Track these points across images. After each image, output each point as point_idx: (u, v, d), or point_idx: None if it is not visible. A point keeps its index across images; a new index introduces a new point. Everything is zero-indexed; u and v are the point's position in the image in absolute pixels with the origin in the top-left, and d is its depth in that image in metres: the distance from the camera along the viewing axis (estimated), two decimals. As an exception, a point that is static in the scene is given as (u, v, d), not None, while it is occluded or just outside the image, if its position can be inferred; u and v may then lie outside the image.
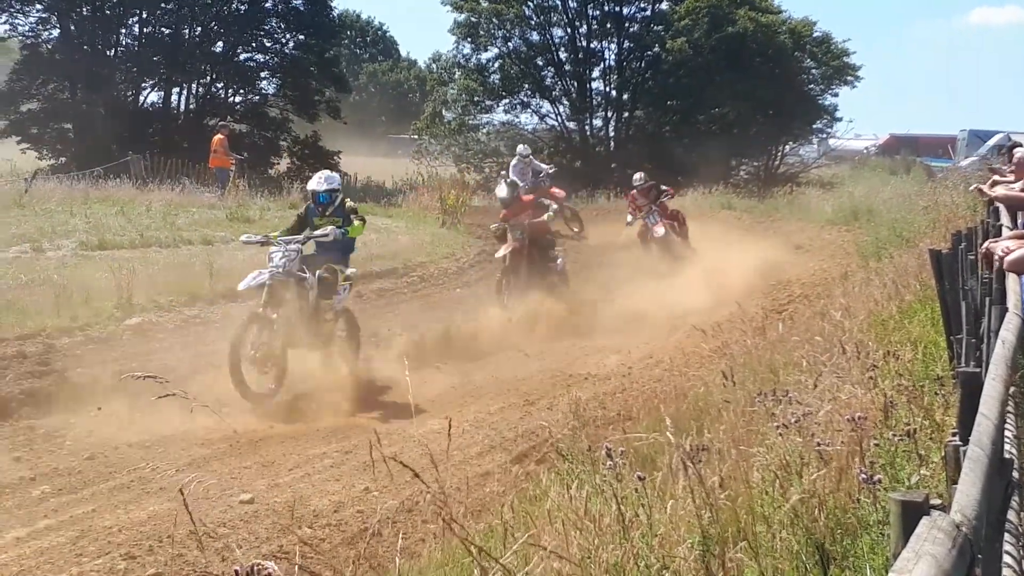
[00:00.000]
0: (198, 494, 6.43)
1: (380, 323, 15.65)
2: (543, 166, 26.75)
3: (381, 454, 5.69)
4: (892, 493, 2.74)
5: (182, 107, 39.74)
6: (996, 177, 13.11)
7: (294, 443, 10.46)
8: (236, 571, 4.02)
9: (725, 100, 38.98)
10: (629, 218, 22.03)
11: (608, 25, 40.29)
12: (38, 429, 10.47)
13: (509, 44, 40.72)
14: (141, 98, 39.38)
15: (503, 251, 17.46)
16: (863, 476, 5.01)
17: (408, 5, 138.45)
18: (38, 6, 37.49)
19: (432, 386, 12.62)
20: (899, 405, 6.24)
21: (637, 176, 22.43)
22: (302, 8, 40.81)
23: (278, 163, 39.61)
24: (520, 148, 27.49)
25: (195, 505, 5.28)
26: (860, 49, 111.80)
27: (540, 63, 40.98)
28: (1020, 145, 13.58)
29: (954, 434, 4.04)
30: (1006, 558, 3.59)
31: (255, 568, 3.75)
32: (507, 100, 40.97)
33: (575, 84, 40.64)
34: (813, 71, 41.47)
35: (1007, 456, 3.87)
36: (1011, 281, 5.79)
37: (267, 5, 40.71)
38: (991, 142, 40.09)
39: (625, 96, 40.65)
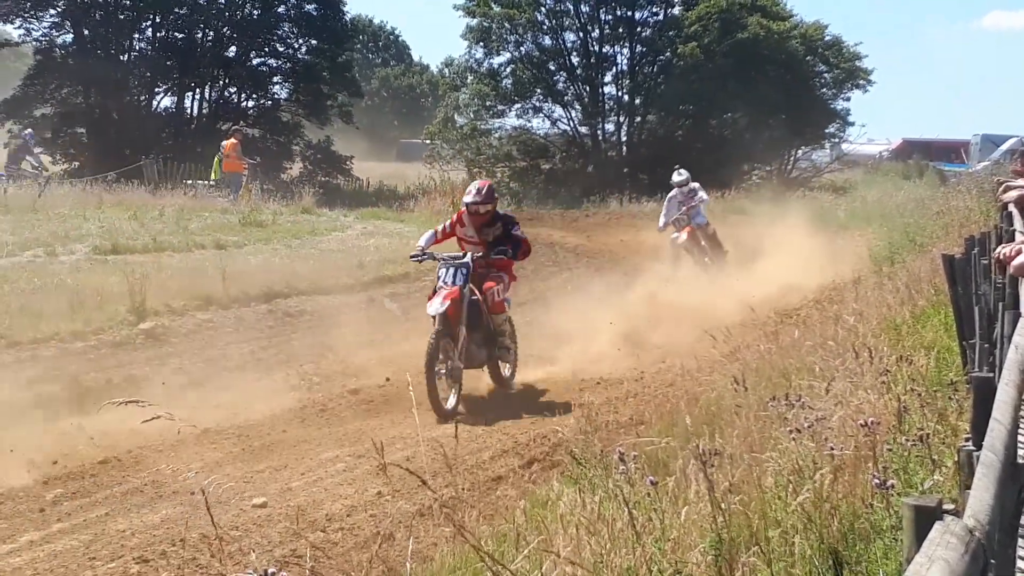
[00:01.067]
0: (210, 498, 6.44)
1: (394, 327, 15.67)
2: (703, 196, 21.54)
3: (383, 461, 5.71)
4: (905, 498, 2.74)
5: (195, 112, 39.92)
6: (1008, 183, 13.08)
7: (306, 447, 10.48)
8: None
9: (737, 105, 38.94)
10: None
11: (620, 30, 40.27)
12: (52, 432, 10.50)
13: (521, 49, 40.73)
14: (154, 103, 39.59)
15: None
16: (876, 481, 5.00)
17: (421, 10, 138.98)
18: (52, 11, 37.67)
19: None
20: (912, 410, 6.23)
21: (473, 189, 12.89)
22: (314, 13, 40.90)
23: (290, 168, 39.69)
24: (676, 176, 21.50)
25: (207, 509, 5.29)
26: (873, 54, 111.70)
27: (552, 68, 40.97)
28: None
29: (967, 439, 4.03)
30: (1020, 563, 3.58)
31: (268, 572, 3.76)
32: (519, 105, 40.96)
33: (587, 89, 40.63)
34: (825, 75, 41.41)
35: (1020, 461, 3.86)
36: (1024, 286, 5.79)
37: (280, 10, 40.84)
38: (1004, 146, 39.94)
39: (637, 101, 40.62)
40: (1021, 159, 13.00)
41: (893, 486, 5.02)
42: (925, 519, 2.56)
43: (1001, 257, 6.34)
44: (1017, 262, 5.91)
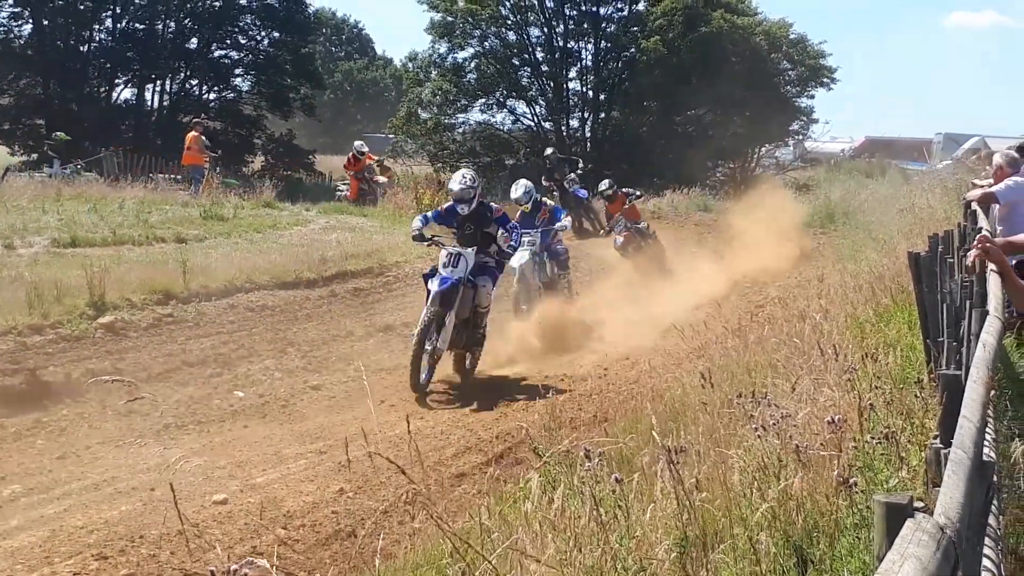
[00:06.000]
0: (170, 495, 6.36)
1: (356, 322, 15.60)
2: None
3: (359, 451, 5.64)
4: (876, 495, 2.72)
5: (156, 104, 39.65)
6: (975, 181, 13.21)
7: (268, 444, 10.40)
8: (211, 571, 3.97)
9: (702, 102, 39.05)
10: None
11: (585, 25, 40.28)
12: (8, 428, 10.38)
13: (485, 44, 40.66)
14: (114, 94, 39.27)
15: None
16: (840, 479, 5.00)
17: (384, 3, 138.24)
18: (10, 0, 37.24)
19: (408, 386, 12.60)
20: (877, 408, 6.23)
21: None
22: (277, 5, 40.66)
23: (252, 161, 39.47)
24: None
25: (167, 506, 5.21)
26: (837, 52, 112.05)
27: (516, 63, 40.94)
28: (996, 152, 13.65)
29: (935, 437, 4.03)
30: (986, 562, 3.58)
31: (232, 569, 3.70)
32: (483, 100, 40.92)
33: (551, 84, 40.61)
34: (789, 72, 41.58)
35: (987, 459, 3.86)
36: (992, 284, 5.80)
37: (242, 2, 40.58)
38: (966, 145, 40.31)
39: (602, 97, 40.65)
40: (988, 160, 13.13)
41: (856, 484, 5.02)
42: (896, 516, 2.54)
43: (970, 263, 6.38)
44: (972, 255, 5.97)
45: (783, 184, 36.47)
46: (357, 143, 31.30)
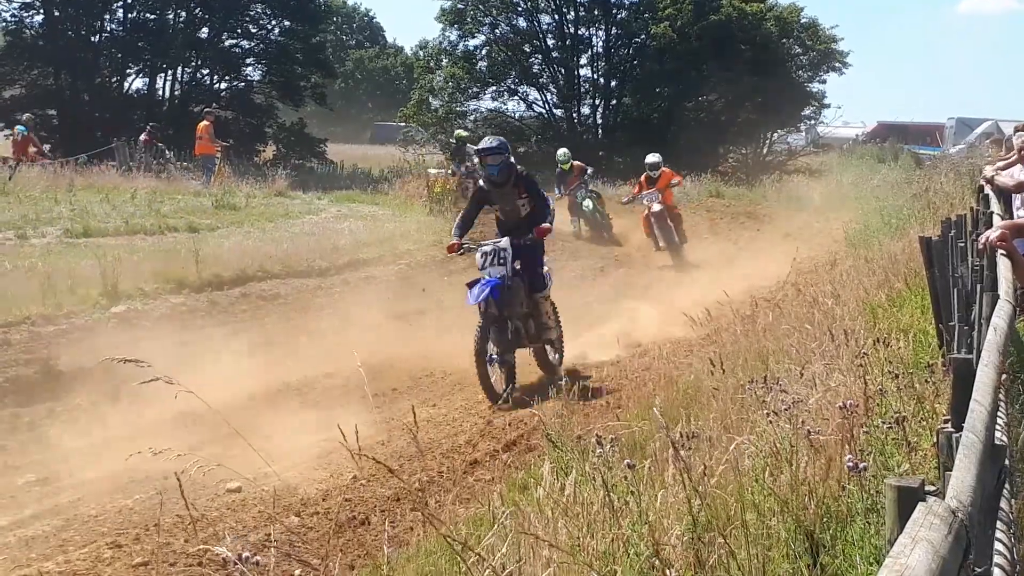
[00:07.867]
0: (184, 483, 6.36)
1: (368, 311, 15.61)
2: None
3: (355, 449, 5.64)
4: (888, 478, 2.72)
5: (167, 93, 39.70)
6: (988, 167, 13.14)
7: (281, 432, 10.42)
8: (224, 559, 3.98)
9: (713, 87, 38.93)
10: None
11: (596, 11, 40.18)
12: (23, 417, 10.41)
13: (496, 31, 40.59)
14: (126, 84, 39.34)
15: None
16: (851, 464, 4.99)
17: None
18: (21, -9, 37.31)
19: (422, 373, 12.61)
20: (889, 393, 6.22)
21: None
22: (287, -7, 40.68)
23: (264, 150, 39.49)
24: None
25: (180, 494, 5.23)
26: (848, 37, 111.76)
27: (527, 50, 40.86)
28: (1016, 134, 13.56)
29: (946, 421, 4.02)
30: (998, 545, 3.57)
31: (244, 556, 3.71)
32: (494, 87, 40.86)
33: (562, 71, 40.52)
34: (801, 57, 41.40)
35: (998, 442, 3.86)
36: (1002, 268, 5.78)
37: (251, -10, 40.59)
38: (979, 130, 40.13)
39: (613, 83, 40.57)
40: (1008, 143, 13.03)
41: (867, 468, 5.01)
42: (908, 500, 2.53)
43: (983, 244, 6.35)
44: (988, 235, 5.94)
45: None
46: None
